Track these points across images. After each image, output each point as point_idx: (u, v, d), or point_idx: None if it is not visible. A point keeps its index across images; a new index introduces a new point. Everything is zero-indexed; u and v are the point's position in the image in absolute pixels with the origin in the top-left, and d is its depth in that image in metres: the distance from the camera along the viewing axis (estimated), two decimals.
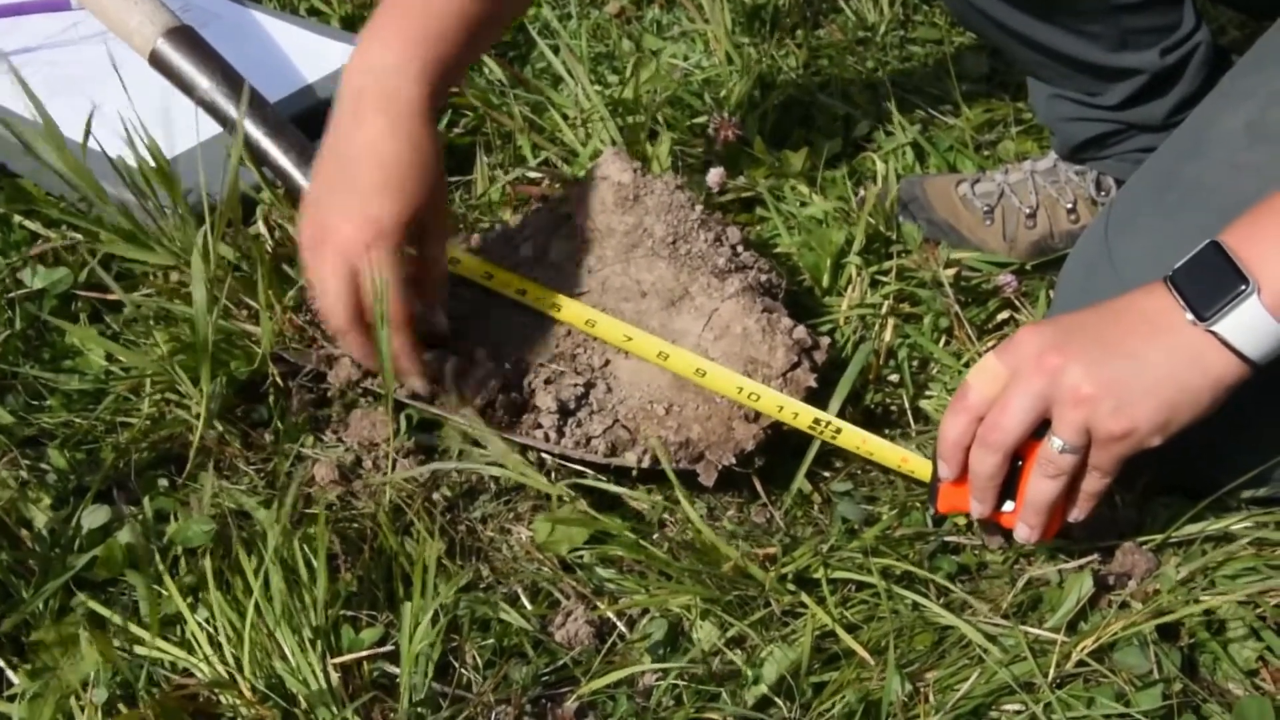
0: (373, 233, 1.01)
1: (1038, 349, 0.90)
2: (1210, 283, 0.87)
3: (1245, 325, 0.85)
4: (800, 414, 1.08)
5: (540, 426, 1.11)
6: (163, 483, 1.12)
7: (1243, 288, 0.85)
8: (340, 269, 1.02)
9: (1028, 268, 1.38)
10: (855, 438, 1.09)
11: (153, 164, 1.28)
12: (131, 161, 1.28)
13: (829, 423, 1.09)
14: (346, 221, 1.02)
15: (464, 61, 1.11)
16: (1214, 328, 0.86)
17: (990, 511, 0.98)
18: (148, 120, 1.31)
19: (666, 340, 1.14)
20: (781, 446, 1.12)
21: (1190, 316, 0.87)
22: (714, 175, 1.45)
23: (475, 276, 1.19)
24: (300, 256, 1.07)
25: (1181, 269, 0.89)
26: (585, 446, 1.10)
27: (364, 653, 0.96)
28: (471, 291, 1.21)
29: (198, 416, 1.12)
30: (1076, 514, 0.97)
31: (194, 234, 1.22)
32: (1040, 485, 0.94)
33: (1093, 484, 0.94)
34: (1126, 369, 0.88)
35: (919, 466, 1.07)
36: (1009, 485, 0.96)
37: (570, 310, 1.16)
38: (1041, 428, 0.92)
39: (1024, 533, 0.97)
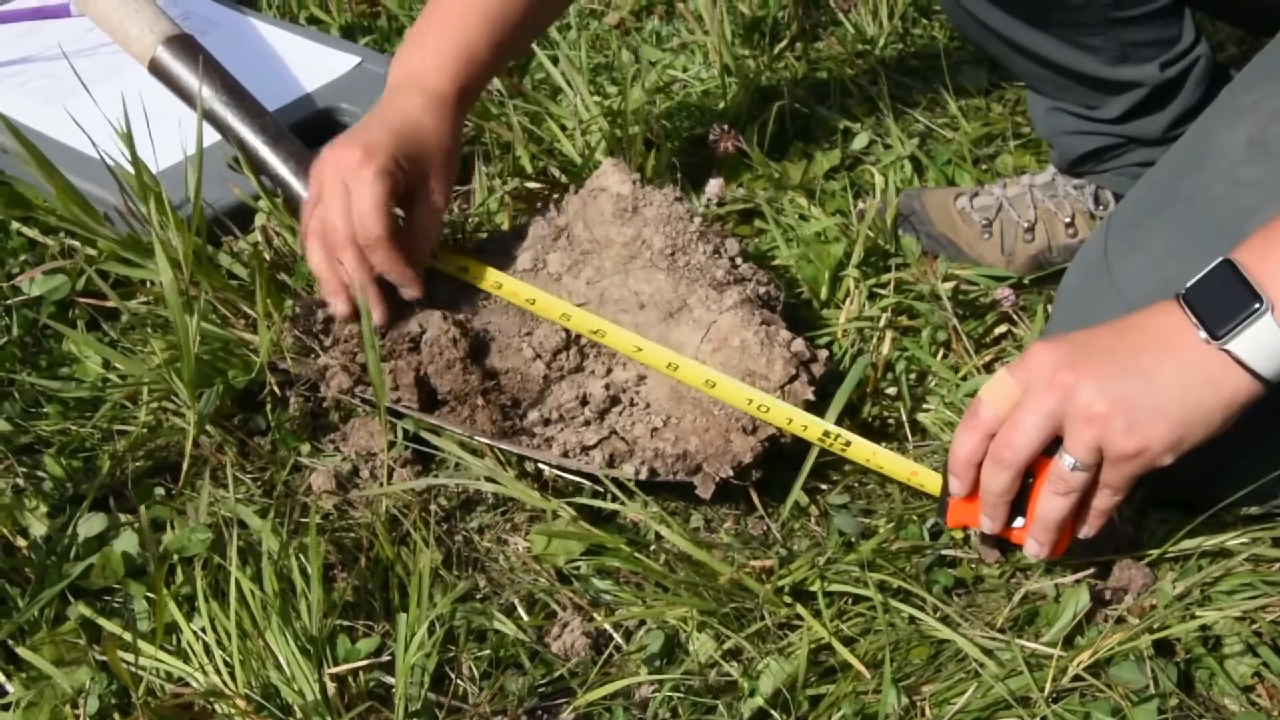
0: (364, 153, 1.12)
1: (1051, 366, 0.90)
2: (1223, 301, 0.86)
3: (1259, 344, 0.85)
4: (810, 426, 1.08)
5: (534, 435, 1.11)
6: (159, 491, 1.12)
7: (1256, 306, 0.85)
8: (339, 187, 1.14)
9: (1026, 281, 1.38)
10: (865, 450, 1.09)
11: (131, 170, 1.27)
12: (129, 170, 1.27)
13: (839, 435, 1.08)
14: (345, 145, 1.14)
15: (491, 65, 1.24)
16: (1227, 346, 0.86)
17: (1000, 528, 0.98)
18: (144, 128, 1.31)
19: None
20: (778, 459, 1.12)
21: (1203, 335, 0.86)
22: (713, 187, 1.45)
23: (487, 286, 1.20)
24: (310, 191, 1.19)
25: (1194, 287, 0.88)
26: (582, 456, 1.10)
27: (359, 663, 0.96)
28: (465, 294, 1.21)
29: (195, 425, 1.12)
30: (1087, 531, 0.96)
31: (185, 243, 1.22)
32: (1051, 502, 0.94)
33: (1103, 501, 0.94)
34: (1139, 387, 0.87)
35: (928, 480, 1.07)
36: (1019, 501, 0.96)
37: (579, 321, 1.16)
38: (1052, 444, 0.92)
39: (1034, 549, 0.97)
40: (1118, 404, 0.87)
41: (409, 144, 1.15)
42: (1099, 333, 0.92)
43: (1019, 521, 0.98)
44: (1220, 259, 0.88)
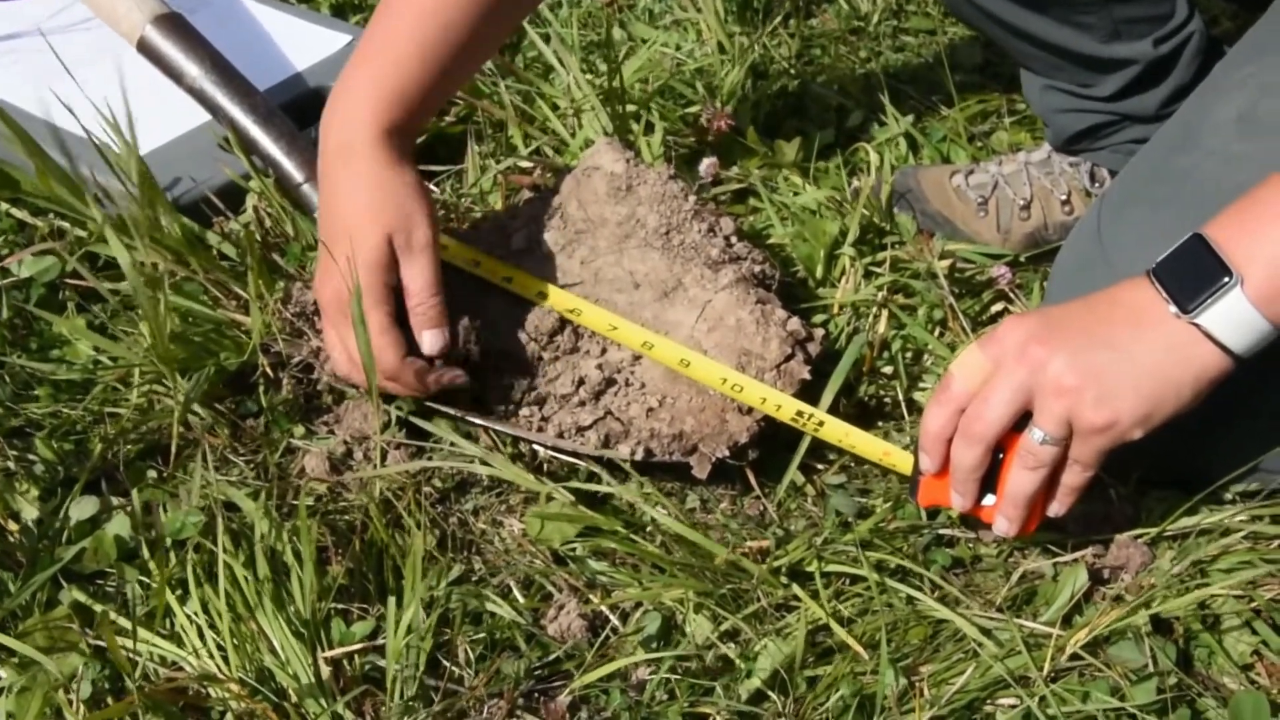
0: (337, 302, 1.06)
1: (1021, 340, 0.90)
2: (1193, 275, 0.86)
3: (1228, 318, 0.85)
4: (783, 406, 1.08)
5: (531, 417, 1.10)
6: (151, 474, 1.12)
7: (1226, 280, 0.85)
8: (340, 320, 1.07)
9: (1022, 259, 1.38)
10: (838, 431, 1.08)
11: (118, 150, 1.26)
12: (116, 150, 1.26)
13: (811, 415, 1.08)
14: (320, 292, 1.08)
15: (430, 90, 1.13)
16: (1197, 320, 0.86)
17: (971, 505, 0.97)
18: (134, 108, 1.29)
19: (659, 332, 1.13)
20: (774, 439, 1.12)
21: (1173, 309, 0.86)
22: (707, 166, 1.44)
23: (462, 263, 1.18)
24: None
25: (1165, 261, 0.88)
26: (577, 437, 1.09)
27: (354, 646, 0.95)
28: (460, 280, 1.20)
29: (183, 407, 1.12)
30: (1056, 508, 0.96)
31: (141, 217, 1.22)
32: (1020, 477, 0.93)
33: (1073, 477, 0.94)
34: (1109, 361, 0.87)
35: (901, 460, 1.07)
36: (990, 479, 0.96)
37: (556, 298, 1.15)
38: (1024, 421, 0.92)
39: (1003, 526, 0.97)
40: (1088, 377, 0.87)
41: (367, 237, 1.05)
42: (1072, 307, 0.92)
43: (990, 499, 0.97)
44: (1191, 234, 0.88)
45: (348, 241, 1.05)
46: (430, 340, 1.08)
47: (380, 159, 1.08)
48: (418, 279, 1.08)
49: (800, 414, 1.08)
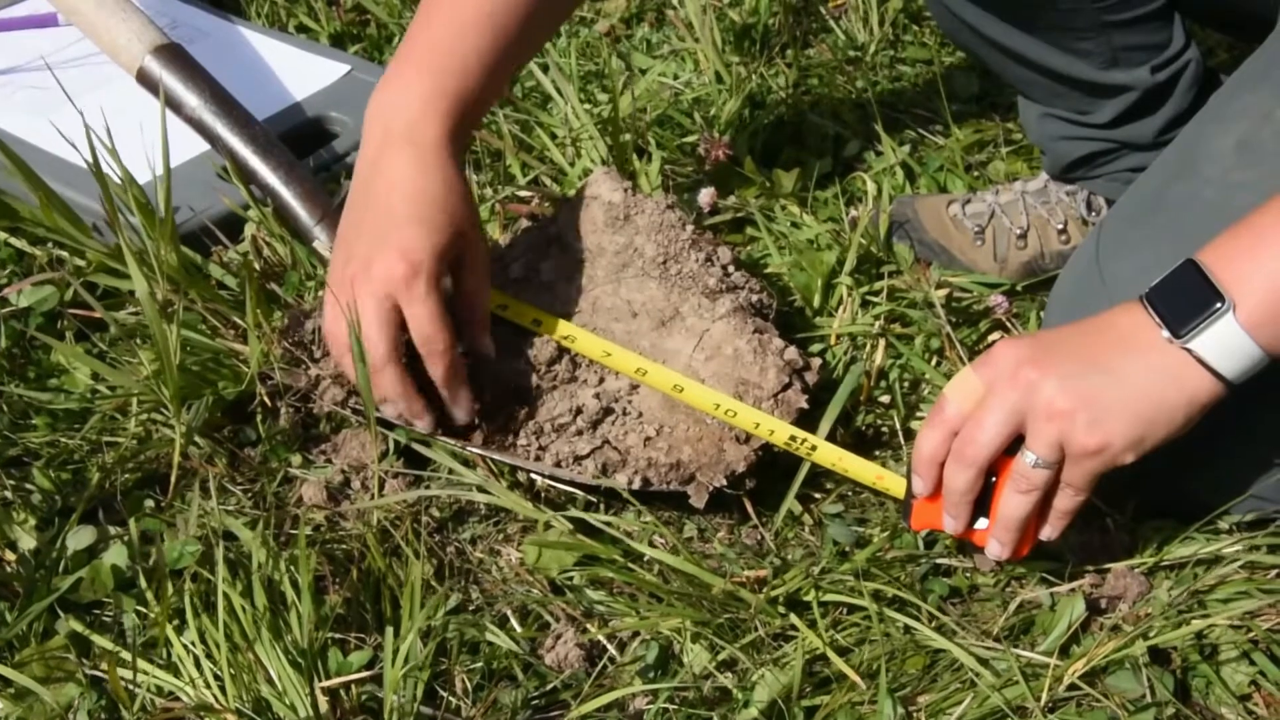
0: (410, 267, 1.02)
1: (1014, 363, 0.90)
2: (1186, 300, 0.87)
3: (1221, 343, 0.86)
4: (776, 430, 1.08)
5: (528, 446, 1.10)
6: (149, 503, 1.12)
7: (1218, 305, 0.85)
8: (379, 305, 1.03)
9: (1018, 288, 1.38)
10: (831, 454, 1.08)
11: (119, 180, 1.27)
12: (115, 179, 1.27)
13: (805, 439, 1.08)
14: (382, 257, 1.02)
15: (486, 96, 1.12)
16: (1189, 345, 0.86)
17: (963, 528, 0.98)
18: (132, 138, 1.30)
19: (656, 361, 1.13)
20: (772, 468, 1.12)
21: (1166, 334, 0.87)
22: (704, 195, 1.45)
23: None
24: (327, 292, 1.07)
25: (1158, 287, 0.89)
26: (574, 466, 1.09)
27: (352, 676, 0.95)
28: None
29: (183, 436, 1.12)
30: (1049, 532, 0.96)
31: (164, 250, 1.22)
32: (1013, 501, 0.94)
33: (1065, 501, 0.94)
34: (1102, 384, 0.88)
35: (894, 484, 1.07)
36: (982, 502, 0.96)
37: (549, 325, 1.15)
38: (1017, 443, 0.92)
39: (995, 550, 0.97)
40: (1080, 400, 0.88)
41: (438, 226, 1.04)
42: (1065, 331, 0.93)
43: (982, 523, 0.97)
44: (1184, 259, 0.89)
45: (412, 226, 1.03)
46: (489, 345, 1.12)
47: (450, 153, 1.07)
48: (486, 287, 1.11)
49: (794, 438, 1.08)
